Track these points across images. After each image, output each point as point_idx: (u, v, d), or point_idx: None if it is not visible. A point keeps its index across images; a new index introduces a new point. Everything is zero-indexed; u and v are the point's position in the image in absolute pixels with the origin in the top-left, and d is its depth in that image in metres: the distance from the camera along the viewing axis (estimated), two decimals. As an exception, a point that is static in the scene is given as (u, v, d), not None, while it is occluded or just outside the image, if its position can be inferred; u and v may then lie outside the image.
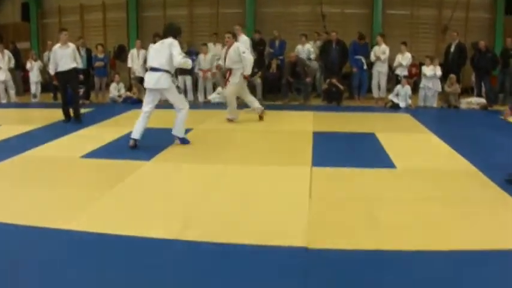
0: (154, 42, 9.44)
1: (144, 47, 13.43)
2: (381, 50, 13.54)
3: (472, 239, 4.58)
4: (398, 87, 13.00)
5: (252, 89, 13.77)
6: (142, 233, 4.56)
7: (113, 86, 14.25)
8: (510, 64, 13.92)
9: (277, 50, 14.68)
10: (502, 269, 4.03)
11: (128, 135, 8.41)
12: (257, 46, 14.56)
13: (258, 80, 13.61)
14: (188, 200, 5.59)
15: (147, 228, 4.70)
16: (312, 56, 14.43)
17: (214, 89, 14.06)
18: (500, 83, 14.11)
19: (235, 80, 10.19)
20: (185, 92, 13.19)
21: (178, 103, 8.29)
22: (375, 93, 13.96)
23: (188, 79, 13.73)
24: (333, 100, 13.26)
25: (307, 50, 14.44)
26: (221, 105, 12.69)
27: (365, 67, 13.84)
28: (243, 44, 10.70)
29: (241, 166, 7.11)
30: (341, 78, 13.94)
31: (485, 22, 16.78)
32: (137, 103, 12.09)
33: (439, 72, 13.27)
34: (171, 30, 8.15)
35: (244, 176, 6.62)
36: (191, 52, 13.63)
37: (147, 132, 8.29)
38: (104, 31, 17.42)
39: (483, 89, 13.99)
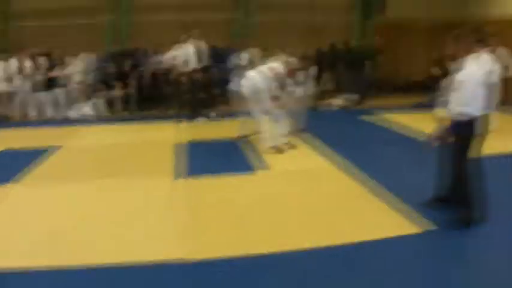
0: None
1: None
2: (249, 56, 13.39)
3: (340, 232, 4.91)
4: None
5: (126, 101, 13.44)
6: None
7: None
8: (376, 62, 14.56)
9: (150, 59, 14.27)
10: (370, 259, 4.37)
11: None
12: (130, 55, 14.25)
13: (131, 91, 13.21)
14: (59, 220, 5.33)
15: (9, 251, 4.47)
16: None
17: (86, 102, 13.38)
18: (368, 80, 14.72)
19: None
20: (56, 106, 12.66)
21: None
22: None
23: (60, 93, 12.95)
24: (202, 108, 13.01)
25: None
26: (93, 119, 12.35)
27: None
28: None
29: (102, 181, 6.88)
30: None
31: (353, 22, 17.43)
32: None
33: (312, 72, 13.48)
34: None
35: (116, 191, 6.44)
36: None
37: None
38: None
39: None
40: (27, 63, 12.47)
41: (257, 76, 8.41)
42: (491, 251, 4.49)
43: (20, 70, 12.44)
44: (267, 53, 11.76)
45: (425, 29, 17.91)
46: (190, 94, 11.97)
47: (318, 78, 13.62)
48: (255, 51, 13.54)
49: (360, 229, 5.03)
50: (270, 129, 8.40)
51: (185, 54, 11.62)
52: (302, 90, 9.69)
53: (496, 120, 8.46)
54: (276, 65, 8.61)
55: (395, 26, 17.46)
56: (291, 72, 8.66)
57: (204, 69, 11.98)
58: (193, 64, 11.56)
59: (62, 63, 13.02)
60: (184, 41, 12.67)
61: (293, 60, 8.89)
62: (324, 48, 14.89)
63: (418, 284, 4.04)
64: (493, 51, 9.06)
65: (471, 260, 4.44)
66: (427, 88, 16.59)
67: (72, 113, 12.80)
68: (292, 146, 8.72)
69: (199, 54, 11.58)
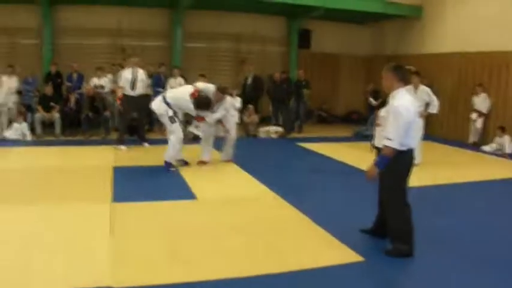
0: None
1: None
2: (177, 82, 13.57)
3: (273, 262, 4.88)
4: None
5: (51, 125, 13.11)
6: None
7: None
8: (302, 94, 14.91)
9: (75, 83, 14.04)
10: None
11: None
12: (55, 79, 13.90)
13: (56, 115, 12.88)
14: None
15: None
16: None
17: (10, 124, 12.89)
18: (295, 112, 14.99)
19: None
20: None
21: None
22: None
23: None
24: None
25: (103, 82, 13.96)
26: (18, 142, 11.96)
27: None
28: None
29: (38, 206, 6.56)
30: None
31: (280, 55, 17.85)
32: None
33: (238, 104, 13.64)
34: None
35: (42, 216, 6.13)
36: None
37: None
38: None
39: (280, 118, 14.72)
40: None
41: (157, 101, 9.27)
42: (421, 283, 4.60)
43: None
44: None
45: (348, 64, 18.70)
46: (127, 119, 11.79)
47: (242, 109, 13.85)
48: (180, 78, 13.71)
49: (300, 256, 5.06)
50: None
51: (124, 79, 11.39)
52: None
53: (420, 153, 8.94)
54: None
55: (319, 59, 18.09)
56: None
57: (143, 96, 11.81)
58: (130, 89, 11.36)
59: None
60: (122, 66, 12.62)
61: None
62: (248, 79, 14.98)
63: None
64: (415, 88, 9.57)
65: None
66: (354, 120, 17.37)
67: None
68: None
69: (136, 80, 11.40)
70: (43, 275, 4.41)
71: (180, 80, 13.69)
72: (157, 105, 9.18)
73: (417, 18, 16.04)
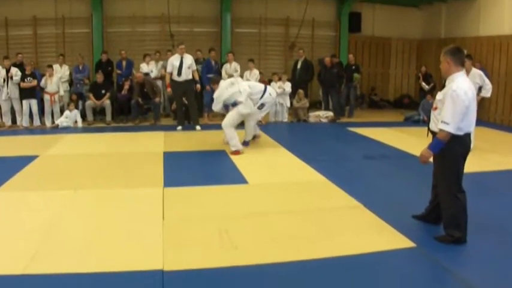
0: None
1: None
2: (232, 68, 13.51)
3: (324, 246, 4.79)
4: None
5: (101, 112, 13.26)
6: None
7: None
8: (353, 78, 14.61)
9: (125, 71, 14.13)
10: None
11: None
12: (105, 66, 14.03)
13: (106, 102, 13.00)
14: (37, 230, 5.12)
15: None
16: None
17: (62, 112, 13.11)
18: (346, 97, 14.71)
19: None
20: (31, 117, 12.40)
21: None
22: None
23: (34, 103, 12.57)
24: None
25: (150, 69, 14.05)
26: (70, 129, 12.17)
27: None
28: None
29: (92, 191, 6.72)
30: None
31: (330, 39, 17.48)
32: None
33: (288, 88, 13.52)
34: None
35: (96, 201, 6.28)
36: (36, 74, 12.71)
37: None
38: None
39: (330, 103, 14.46)
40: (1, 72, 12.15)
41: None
42: (475, 271, 4.35)
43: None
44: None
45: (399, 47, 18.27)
46: (179, 103, 12.09)
47: (293, 94, 13.69)
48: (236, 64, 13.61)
49: (351, 241, 4.93)
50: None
51: (172, 66, 11.67)
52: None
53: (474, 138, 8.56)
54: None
55: (369, 43, 17.73)
56: None
57: (189, 81, 11.87)
58: (177, 75, 11.62)
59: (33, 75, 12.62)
60: (172, 52, 12.71)
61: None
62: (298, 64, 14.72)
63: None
64: (467, 72, 9.20)
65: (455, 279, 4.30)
66: (405, 105, 16.97)
67: (48, 123, 12.54)
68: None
69: (183, 66, 11.56)
70: (99, 257, 4.46)
71: (235, 65, 13.61)
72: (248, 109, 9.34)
73: (474, 0, 15.41)
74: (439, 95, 4.93)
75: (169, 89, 12.04)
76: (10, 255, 4.47)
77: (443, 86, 4.96)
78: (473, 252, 4.71)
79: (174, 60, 11.77)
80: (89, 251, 4.60)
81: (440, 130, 4.70)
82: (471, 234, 4.89)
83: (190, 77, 11.90)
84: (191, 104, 12.16)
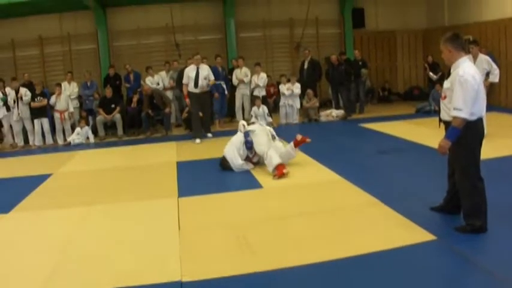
0: None
1: None
2: (242, 73, 13.52)
3: (344, 245, 4.75)
4: (254, 108, 12.92)
5: (112, 126, 13.29)
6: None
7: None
8: (360, 74, 14.54)
9: (133, 83, 14.16)
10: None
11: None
12: (113, 81, 14.09)
13: (117, 116, 13.04)
14: (54, 248, 5.16)
15: (5, 285, 4.29)
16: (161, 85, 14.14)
17: (73, 129, 13.15)
18: (355, 93, 14.63)
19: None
20: (43, 135, 12.47)
21: None
22: (239, 116, 13.74)
23: (45, 122, 12.62)
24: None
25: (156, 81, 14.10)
26: (82, 145, 12.26)
27: (226, 92, 13.60)
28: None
29: (107, 205, 6.77)
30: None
31: (335, 37, 17.46)
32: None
33: (297, 90, 13.45)
34: None
35: (111, 215, 6.32)
36: (45, 93, 12.79)
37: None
38: None
39: (340, 101, 14.39)
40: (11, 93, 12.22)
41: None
42: (498, 260, 4.25)
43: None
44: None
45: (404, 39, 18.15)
46: (196, 115, 11.73)
47: (302, 94, 13.63)
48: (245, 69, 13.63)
49: (371, 238, 4.89)
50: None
51: (188, 77, 11.47)
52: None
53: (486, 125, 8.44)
54: None
55: (374, 37, 17.64)
56: None
57: (205, 92, 11.80)
58: (194, 87, 11.42)
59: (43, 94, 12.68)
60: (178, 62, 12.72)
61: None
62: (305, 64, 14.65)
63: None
64: (474, 58, 9.10)
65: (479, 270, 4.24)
66: (415, 96, 16.84)
67: (60, 141, 12.59)
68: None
69: (199, 77, 11.42)
70: (116, 272, 4.46)
71: (245, 70, 13.63)
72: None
73: (475, -15, 15.24)
74: (446, 83, 4.88)
75: (187, 100, 11.73)
76: (27, 274, 4.50)
77: (449, 74, 4.91)
78: (495, 241, 4.64)
79: (189, 72, 11.45)
80: (107, 266, 4.60)
81: (454, 117, 4.63)
82: (491, 223, 4.81)
83: (207, 88, 11.73)
84: (204, 113, 12.08)
